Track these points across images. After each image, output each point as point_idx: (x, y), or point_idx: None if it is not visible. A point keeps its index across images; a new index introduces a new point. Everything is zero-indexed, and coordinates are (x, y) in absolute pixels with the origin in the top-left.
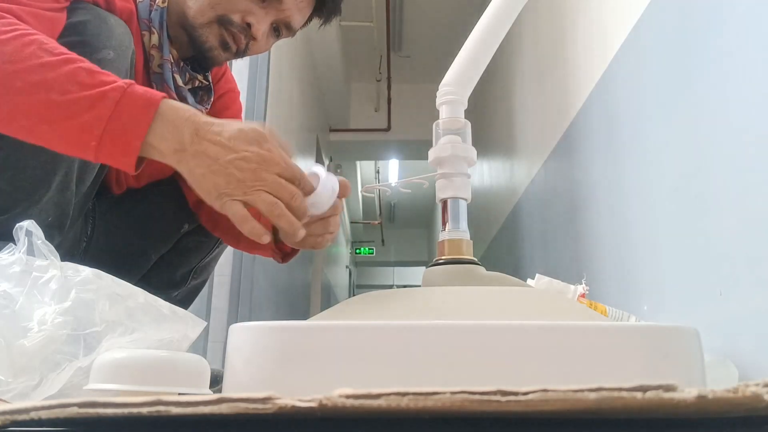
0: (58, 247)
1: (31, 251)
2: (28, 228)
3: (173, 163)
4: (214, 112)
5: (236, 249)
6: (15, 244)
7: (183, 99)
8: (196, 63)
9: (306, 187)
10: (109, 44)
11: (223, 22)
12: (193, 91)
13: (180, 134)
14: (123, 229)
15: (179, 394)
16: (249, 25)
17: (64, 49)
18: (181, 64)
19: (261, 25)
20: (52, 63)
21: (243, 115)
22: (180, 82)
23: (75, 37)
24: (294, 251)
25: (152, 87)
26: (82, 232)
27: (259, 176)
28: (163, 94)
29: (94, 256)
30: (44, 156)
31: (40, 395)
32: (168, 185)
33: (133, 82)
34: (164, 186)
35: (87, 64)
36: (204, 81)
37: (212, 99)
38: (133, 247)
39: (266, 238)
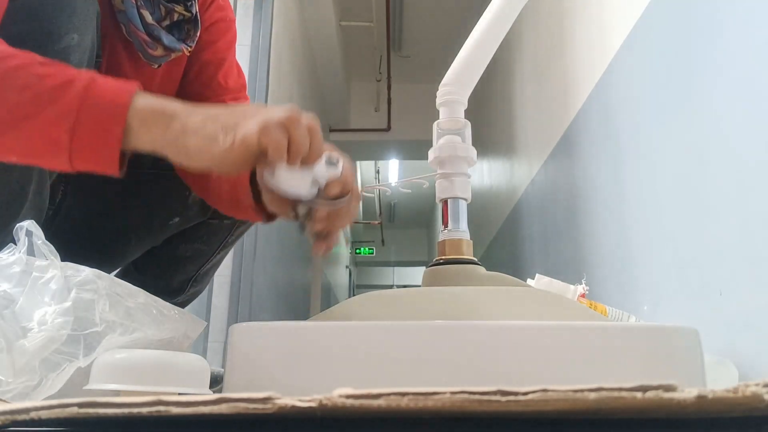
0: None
1: (31, 251)
2: (28, 228)
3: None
4: (198, 49)
5: (217, 208)
6: (15, 245)
7: (157, 39)
8: None
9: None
10: (71, 26)
11: None
12: (177, 26)
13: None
14: (99, 199)
15: (179, 394)
16: None
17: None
18: None
19: None
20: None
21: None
22: (149, 18)
23: (30, 24)
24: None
25: (120, 29)
26: (50, 198)
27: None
28: (127, 104)
29: (60, 228)
30: (16, 171)
31: (40, 395)
32: (165, 170)
33: (88, 86)
34: (159, 171)
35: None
36: (185, 12)
37: (198, 32)
38: (109, 226)
39: None
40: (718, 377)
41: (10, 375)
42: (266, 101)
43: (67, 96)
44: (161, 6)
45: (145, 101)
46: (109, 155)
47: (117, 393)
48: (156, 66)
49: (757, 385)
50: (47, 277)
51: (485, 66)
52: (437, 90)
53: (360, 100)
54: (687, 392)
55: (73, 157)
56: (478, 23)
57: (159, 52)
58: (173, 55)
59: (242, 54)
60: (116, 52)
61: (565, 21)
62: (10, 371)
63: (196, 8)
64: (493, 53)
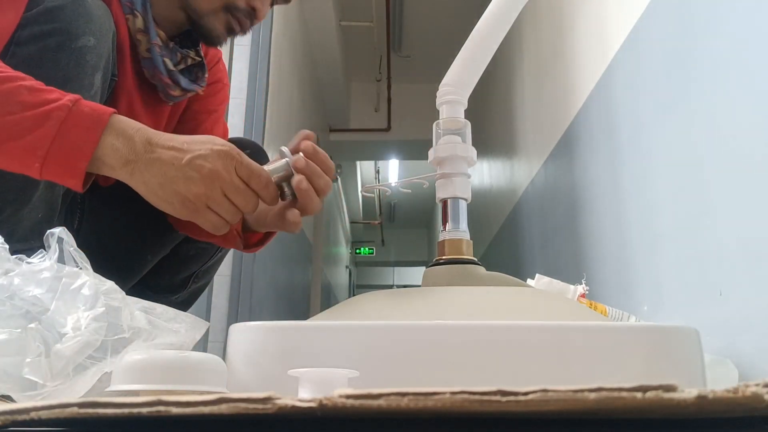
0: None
1: (60, 258)
2: (59, 235)
3: (125, 177)
4: (195, 99)
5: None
6: (45, 250)
7: (176, 83)
8: (186, 38)
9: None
10: (88, 30)
11: (229, 8)
12: (188, 70)
13: (132, 143)
14: (115, 226)
15: (202, 392)
16: (254, 9)
17: (4, 67)
18: (170, 44)
19: (265, 6)
20: None
21: (243, 116)
22: (171, 65)
23: (51, 24)
24: (260, 243)
25: (144, 72)
26: (67, 225)
27: (210, 189)
28: (112, 110)
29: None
30: None
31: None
32: None
33: (79, 98)
34: None
35: (30, 81)
36: (196, 57)
37: (206, 76)
38: (126, 247)
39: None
40: (718, 377)
41: (48, 379)
42: (266, 101)
43: (50, 119)
44: (178, 53)
45: (123, 120)
46: (77, 165)
47: (137, 393)
48: (171, 104)
49: (757, 385)
50: (78, 284)
51: (485, 66)
52: (437, 90)
53: (360, 100)
54: (687, 392)
55: (45, 164)
56: (478, 23)
57: (177, 92)
58: (188, 95)
59: (242, 54)
60: (132, 90)
61: (565, 21)
62: (48, 375)
63: (202, 54)
64: (493, 53)
